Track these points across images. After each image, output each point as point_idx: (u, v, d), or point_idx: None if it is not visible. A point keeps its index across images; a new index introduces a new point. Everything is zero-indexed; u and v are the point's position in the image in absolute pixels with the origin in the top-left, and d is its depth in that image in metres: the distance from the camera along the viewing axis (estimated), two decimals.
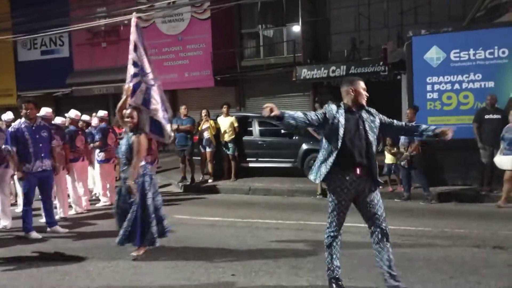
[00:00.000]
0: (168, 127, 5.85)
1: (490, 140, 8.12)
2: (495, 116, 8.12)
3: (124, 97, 5.55)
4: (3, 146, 6.38)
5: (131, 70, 5.76)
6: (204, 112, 10.62)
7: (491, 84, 8.50)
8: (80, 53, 18.36)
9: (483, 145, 8.19)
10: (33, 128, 6.37)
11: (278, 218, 7.14)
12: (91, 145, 8.73)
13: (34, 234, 6.36)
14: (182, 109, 10.76)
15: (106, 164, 8.87)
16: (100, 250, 5.65)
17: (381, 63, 12.50)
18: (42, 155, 6.38)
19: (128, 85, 5.66)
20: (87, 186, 8.61)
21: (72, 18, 16.44)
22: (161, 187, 10.54)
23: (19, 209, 8.06)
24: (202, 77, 16.29)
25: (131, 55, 5.78)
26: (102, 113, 9.24)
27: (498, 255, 4.97)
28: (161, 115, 5.72)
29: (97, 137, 8.71)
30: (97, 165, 8.96)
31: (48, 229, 6.65)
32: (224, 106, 10.83)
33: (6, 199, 7.06)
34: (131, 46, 5.73)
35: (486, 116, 8.20)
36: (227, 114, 10.80)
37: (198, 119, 10.89)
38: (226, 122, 10.64)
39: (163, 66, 16.86)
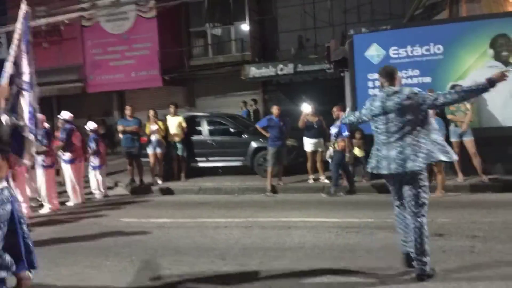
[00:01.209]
0: (31, 145, 4.53)
1: None
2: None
3: None
4: None
5: (9, 68, 4.51)
6: (151, 113, 10.46)
7: (428, 79, 8.91)
8: None
9: None
10: None
11: (228, 217, 7.16)
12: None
13: None
14: (127, 110, 10.55)
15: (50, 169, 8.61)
16: (41, 257, 5.44)
17: (326, 61, 12.78)
18: None
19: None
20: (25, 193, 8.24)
21: (10, 17, 15.69)
22: (109, 189, 10.36)
23: None
24: (149, 76, 16.04)
25: (13, 51, 4.58)
26: (66, 114, 9.05)
27: (435, 242, 5.21)
28: (26, 128, 4.49)
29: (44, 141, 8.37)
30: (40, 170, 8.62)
31: None
32: (171, 106, 10.72)
33: None
34: (16, 40, 4.55)
35: None
36: (175, 114, 10.70)
37: (146, 119, 10.71)
38: (174, 122, 10.53)
39: (109, 66, 16.50)
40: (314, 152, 9.48)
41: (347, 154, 8.62)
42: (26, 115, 4.51)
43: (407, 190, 4.12)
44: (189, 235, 6.22)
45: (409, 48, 8.94)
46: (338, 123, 8.45)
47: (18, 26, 4.43)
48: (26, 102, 4.50)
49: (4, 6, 16.47)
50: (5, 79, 4.32)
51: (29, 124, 4.46)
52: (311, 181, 9.47)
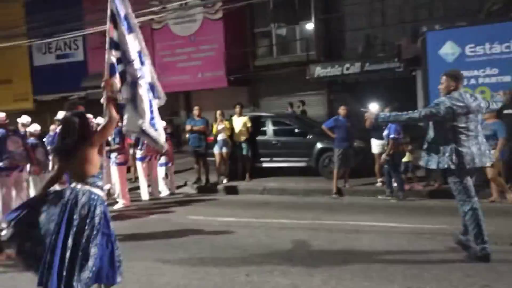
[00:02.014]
0: (156, 134, 4.55)
1: (508, 136, 7.94)
2: None
3: (105, 95, 4.06)
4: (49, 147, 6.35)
5: (112, 57, 4.24)
6: (218, 113, 10.61)
7: (507, 78, 8.32)
8: (95, 56, 18.50)
9: None
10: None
11: (293, 218, 7.09)
12: (107, 148, 8.79)
13: None
14: (195, 110, 10.78)
15: (123, 167, 8.98)
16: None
17: (395, 59, 12.36)
18: None
19: (108, 78, 4.19)
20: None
21: (86, 21, 16.61)
22: (178, 187, 10.66)
23: None
24: (215, 77, 16.32)
25: (110, 34, 4.23)
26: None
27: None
28: (147, 121, 4.42)
29: (116, 139, 8.76)
30: (114, 167, 9.00)
31: None
32: (237, 106, 10.82)
33: None
34: (108, 21, 4.21)
35: (505, 111, 8.02)
36: (240, 114, 10.79)
37: (212, 119, 10.90)
38: (239, 123, 10.63)
39: (176, 67, 16.99)
40: (382, 154, 9.16)
41: (383, 156, 8.35)
42: (146, 105, 4.37)
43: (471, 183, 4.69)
44: (255, 235, 6.23)
45: (487, 46, 8.39)
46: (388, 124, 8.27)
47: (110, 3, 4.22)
48: (144, 91, 4.41)
49: (80, 11, 17.45)
50: (106, 71, 4.19)
51: (150, 114, 4.43)
52: (378, 184, 9.18)
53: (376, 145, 9.23)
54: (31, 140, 7.94)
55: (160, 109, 17.52)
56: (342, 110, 9.23)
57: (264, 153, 10.94)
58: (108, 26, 4.21)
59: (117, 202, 8.87)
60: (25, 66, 19.72)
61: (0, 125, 7.06)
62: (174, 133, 16.88)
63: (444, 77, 4.93)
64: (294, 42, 16.58)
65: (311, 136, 10.65)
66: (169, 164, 10.24)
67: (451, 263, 4.65)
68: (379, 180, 9.23)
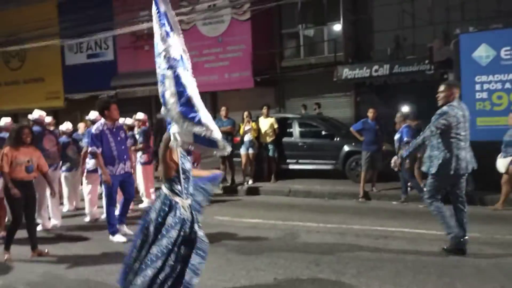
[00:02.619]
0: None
1: None
2: None
3: None
4: (89, 148, 6.30)
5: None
6: (246, 114, 10.63)
7: None
8: (124, 56, 18.83)
9: None
10: (114, 130, 6.29)
11: (319, 221, 7.03)
12: (133, 147, 8.88)
13: (118, 238, 6.25)
14: (223, 111, 10.82)
15: (147, 166, 9.06)
16: None
17: (426, 61, 12.11)
18: (125, 157, 6.32)
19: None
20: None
21: (116, 22, 16.89)
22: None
23: (65, 208, 8.39)
24: (242, 78, 16.32)
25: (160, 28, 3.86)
26: (141, 115, 9.32)
27: None
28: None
29: (140, 139, 8.85)
30: (139, 167, 9.09)
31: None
32: (264, 107, 10.81)
33: (56, 200, 7.30)
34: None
35: None
36: (267, 116, 10.77)
37: (238, 120, 10.92)
38: (266, 124, 10.62)
39: (204, 68, 17.05)
40: (413, 158, 9.00)
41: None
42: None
43: (463, 186, 5.18)
44: (281, 237, 6.20)
45: None
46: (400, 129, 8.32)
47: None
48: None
49: (110, 12, 17.74)
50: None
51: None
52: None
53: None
54: (63, 138, 8.11)
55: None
56: (370, 113, 9.11)
57: (290, 154, 10.90)
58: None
59: (142, 201, 8.99)
60: (57, 65, 20.14)
61: (38, 123, 7.18)
62: None
63: (445, 86, 5.20)
64: (321, 43, 16.43)
65: (338, 139, 10.56)
66: (195, 165, 10.29)
67: (486, 272, 4.52)
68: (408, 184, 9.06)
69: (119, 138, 6.30)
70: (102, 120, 6.27)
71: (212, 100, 18.34)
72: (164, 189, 3.67)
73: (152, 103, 19.22)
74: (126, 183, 6.44)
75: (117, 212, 6.50)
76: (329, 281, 4.46)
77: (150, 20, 14.17)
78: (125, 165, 6.34)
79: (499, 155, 7.65)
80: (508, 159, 7.46)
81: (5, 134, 6.60)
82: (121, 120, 9.04)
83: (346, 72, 14.21)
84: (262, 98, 16.49)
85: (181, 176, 3.65)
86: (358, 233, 6.25)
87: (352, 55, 15.38)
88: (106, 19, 16.17)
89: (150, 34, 17.22)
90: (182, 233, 3.58)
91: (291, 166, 10.98)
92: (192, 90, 3.67)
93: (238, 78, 16.46)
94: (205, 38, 17.03)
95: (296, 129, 11.09)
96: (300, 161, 10.85)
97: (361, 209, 8.14)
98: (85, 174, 7.87)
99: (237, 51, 16.59)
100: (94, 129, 6.27)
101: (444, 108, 5.06)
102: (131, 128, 9.32)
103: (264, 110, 10.76)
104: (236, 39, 16.48)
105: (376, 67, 13.71)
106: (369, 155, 8.88)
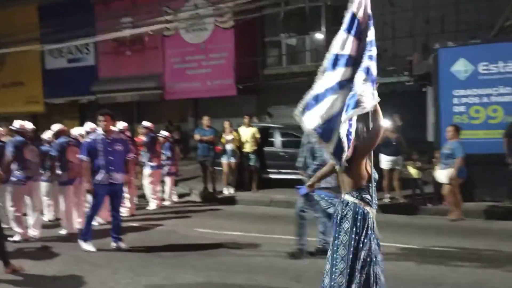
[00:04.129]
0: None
1: None
2: None
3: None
4: (80, 156, 6.40)
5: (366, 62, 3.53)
6: (227, 124, 10.63)
7: None
8: (105, 61, 18.65)
9: None
10: (109, 141, 6.39)
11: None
12: None
13: (87, 246, 6.34)
14: (205, 120, 10.79)
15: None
16: (123, 264, 5.67)
17: (405, 73, 12.30)
18: (112, 168, 6.35)
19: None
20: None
21: (98, 27, 16.74)
22: (181, 196, 10.67)
23: (46, 217, 8.25)
24: (224, 85, 16.33)
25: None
26: (121, 125, 9.20)
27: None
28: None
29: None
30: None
31: (113, 244, 6.49)
32: (246, 117, 10.83)
33: (36, 211, 7.20)
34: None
35: None
36: (249, 125, 10.79)
37: (220, 127, 10.91)
38: (247, 133, 10.62)
39: (186, 74, 17.04)
40: (391, 170, 9.13)
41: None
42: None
43: None
44: (262, 252, 6.20)
45: (500, 64, 8.33)
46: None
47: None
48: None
49: (92, 17, 17.58)
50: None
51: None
52: (386, 200, 9.12)
53: (385, 161, 9.17)
54: (45, 147, 7.96)
55: (170, 115, 17.64)
56: None
57: (271, 164, 10.91)
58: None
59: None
60: (37, 69, 19.84)
61: (19, 133, 7.01)
62: (182, 140, 16.92)
63: None
64: (303, 52, 16.55)
65: None
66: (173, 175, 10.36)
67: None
68: (386, 196, 9.17)
69: (110, 149, 6.34)
70: (100, 131, 6.40)
71: (194, 107, 18.29)
72: (351, 198, 3.50)
73: (133, 109, 19.06)
74: (114, 194, 6.48)
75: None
76: None
77: (132, 26, 14.05)
78: (114, 177, 6.35)
79: (438, 167, 8.11)
80: (448, 170, 7.82)
81: None
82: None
83: None
84: (245, 105, 16.53)
85: (373, 184, 3.54)
86: None
87: None
88: (87, 24, 16.01)
89: (132, 40, 17.28)
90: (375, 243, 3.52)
91: (272, 176, 10.99)
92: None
93: (220, 86, 16.45)
94: (188, 45, 17.01)
95: (277, 139, 11.12)
96: (281, 170, 10.86)
97: None
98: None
99: (220, 58, 16.60)
100: (88, 138, 6.52)
101: None
102: None
103: (246, 120, 10.77)
104: (219, 46, 16.49)
105: None
106: None
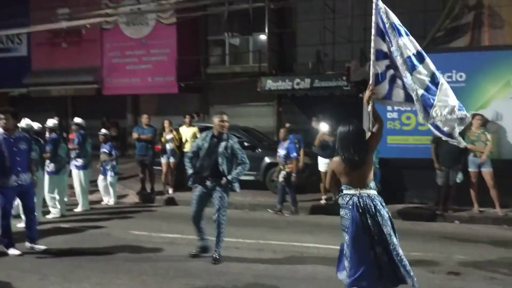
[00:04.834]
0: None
1: (447, 162, 8.37)
2: None
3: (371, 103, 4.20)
4: None
5: (377, 67, 4.30)
6: (167, 123, 10.45)
7: None
8: (39, 52, 17.71)
9: (439, 166, 8.43)
10: (12, 140, 6.01)
11: (238, 236, 7.05)
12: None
13: (12, 251, 6.03)
14: (144, 118, 10.55)
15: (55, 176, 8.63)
16: (52, 270, 5.41)
17: (344, 78, 12.69)
18: (19, 169, 6.01)
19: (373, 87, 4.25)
20: None
21: (32, 17, 15.89)
22: (119, 197, 10.35)
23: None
24: (165, 82, 16.06)
25: (377, 45, 4.31)
26: (51, 122, 8.89)
27: (452, 282, 5.10)
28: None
29: (48, 148, 8.39)
30: (46, 176, 8.59)
31: (28, 245, 6.21)
32: (187, 116, 10.71)
33: None
34: (374, 31, 4.28)
35: (444, 138, 8.42)
36: (190, 125, 10.67)
37: (160, 125, 10.70)
38: (188, 133, 10.51)
39: (125, 69, 16.57)
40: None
41: (293, 175, 8.88)
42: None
43: None
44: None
45: None
46: (285, 144, 8.98)
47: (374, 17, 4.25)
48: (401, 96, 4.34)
49: (27, 7, 16.65)
50: (372, 81, 4.24)
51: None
52: (323, 201, 9.37)
53: (323, 163, 9.41)
54: None
55: (107, 111, 17.09)
56: (282, 130, 9.45)
57: None
58: (374, 38, 4.29)
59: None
60: None
61: None
62: (120, 137, 16.45)
63: None
64: (247, 53, 16.62)
65: (259, 150, 10.71)
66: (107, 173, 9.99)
67: None
68: (323, 197, 9.42)
69: (15, 149, 6.02)
70: (1, 130, 6.02)
71: (133, 103, 17.86)
72: (372, 191, 3.97)
73: (68, 104, 18.28)
74: (24, 195, 6.20)
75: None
76: None
77: (71, 19, 13.47)
78: (21, 178, 6.06)
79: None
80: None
81: None
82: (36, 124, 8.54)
83: (270, 84, 14.50)
84: (186, 104, 16.37)
85: None
86: (276, 249, 6.37)
87: (275, 66, 15.72)
88: (21, 14, 15.16)
89: (68, 31, 16.54)
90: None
91: None
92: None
93: (161, 83, 16.17)
94: (128, 39, 16.57)
95: None
96: None
97: (280, 222, 8.32)
98: None
99: (161, 54, 16.31)
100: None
101: None
102: (37, 133, 8.75)
103: (187, 119, 10.65)
104: (161, 42, 16.20)
105: (298, 80, 14.14)
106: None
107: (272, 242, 6.74)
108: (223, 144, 5.79)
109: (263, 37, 16.09)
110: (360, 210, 3.83)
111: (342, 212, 3.99)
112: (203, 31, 16.96)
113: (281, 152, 9.06)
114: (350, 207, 3.87)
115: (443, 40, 12.17)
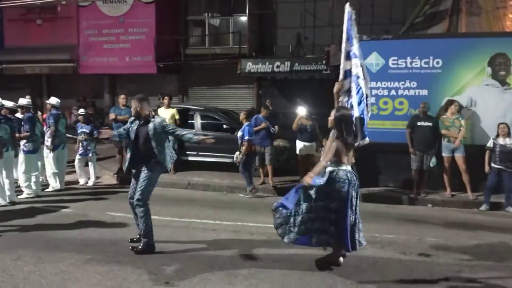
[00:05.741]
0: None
1: (421, 146, 8.55)
2: (427, 124, 8.55)
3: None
4: None
5: (347, 64, 5.50)
6: None
7: (424, 92, 8.92)
8: (12, 29, 17.17)
9: (414, 150, 8.60)
10: None
11: (216, 218, 7.11)
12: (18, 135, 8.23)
13: None
14: (121, 99, 10.42)
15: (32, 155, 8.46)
16: (27, 251, 5.36)
17: (323, 62, 12.71)
18: None
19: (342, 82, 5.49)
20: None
21: None
22: (96, 178, 10.25)
23: None
24: (144, 62, 15.81)
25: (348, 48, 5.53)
26: (25, 101, 8.73)
27: (422, 264, 5.25)
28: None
29: (26, 127, 8.23)
30: (22, 156, 8.44)
31: None
32: (166, 97, 10.60)
33: None
34: (344, 36, 5.56)
35: (418, 123, 8.61)
36: (168, 106, 10.58)
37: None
38: (167, 114, 10.40)
39: (102, 48, 16.23)
40: (306, 156, 9.46)
41: (237, 155, 9.02)
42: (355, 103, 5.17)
43: None
44: (176, 236, 6.18)
45: (408, 60, 8.92)
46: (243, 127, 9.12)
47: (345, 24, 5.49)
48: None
49: None
50: (341, 75, 5.47)
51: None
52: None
53: (300, 147, 9.48)
54: None
55: (83, 91, 16.77)
56: (262, 111, 9.56)
57: (190, 146, 10.81)
58: (344, 41, 5.57)
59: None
60: None
61: None
62: (97, 117, 16.19)
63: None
64: (227, 34, 16.45)
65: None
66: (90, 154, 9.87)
67: (365, 272, 4.92)
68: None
69: None
70: None
71: (111, 83, 17.56)
72: (350, 168, 4.83)
73: (43, 82, 17.87)
74: None
75: None
76: (221, 283, 4.55)
77: None
78: None
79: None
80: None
81: None
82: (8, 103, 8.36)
83: (250, 66, 14.43)
84: (165, 84, 16.19)
85: None
86: (252, 231, 6.45)
87: (256, 48, 15.63)
88: None
89: (43, 7, 16.04)
90: None
91: (191, 158, 10.93)
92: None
93: (140, 62, 15.92)
94: (105, 17, 16.20)
95: (197, 121, 11.04)
96: (200, 153, 10.84)
97: (256, 204, 8.39)
98: None
99: (140, 34, 16.02)
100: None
101: None
102: (12, 111, 8.59)
103: (166, 101, 10.56)
104: (139, 21, 15.90)
105: (278, 63, 14.12)
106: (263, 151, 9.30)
107: (249, 224, 6.81)
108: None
109: (243, 18, 15.94)
110: (352, 184, 4.70)
111: (337, 185, 4.66)
112: (182, 10, 16.68)
113: (239, 133, 9.16)
114: (347, 181, 4.66)
115: (422, 26, 12.26)
